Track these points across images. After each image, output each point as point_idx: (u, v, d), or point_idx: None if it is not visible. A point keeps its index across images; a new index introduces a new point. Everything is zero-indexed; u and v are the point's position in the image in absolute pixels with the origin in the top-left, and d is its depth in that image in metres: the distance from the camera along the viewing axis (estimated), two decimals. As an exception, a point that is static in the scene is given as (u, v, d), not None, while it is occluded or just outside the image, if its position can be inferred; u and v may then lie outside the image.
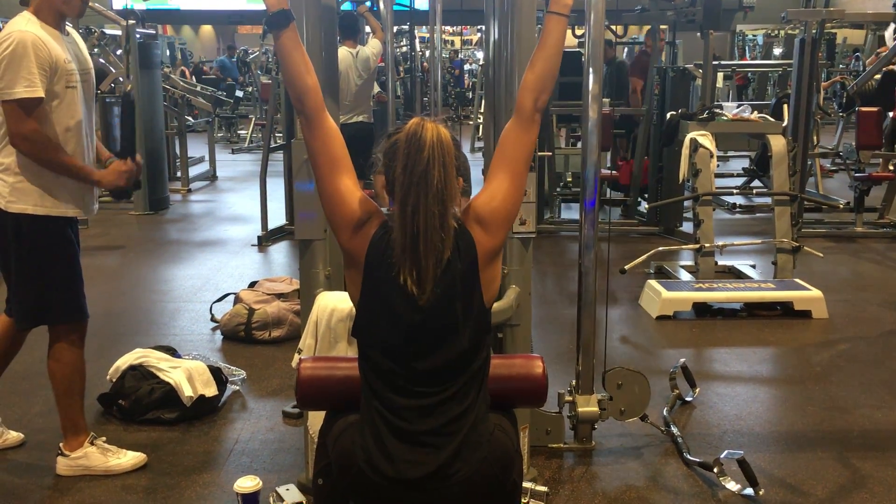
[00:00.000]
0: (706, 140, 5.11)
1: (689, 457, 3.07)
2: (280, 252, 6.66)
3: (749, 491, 2.83)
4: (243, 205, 8.42)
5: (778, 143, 5.19)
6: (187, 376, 3.48)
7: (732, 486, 2.86)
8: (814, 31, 6.32)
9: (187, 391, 3.43)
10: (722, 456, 2.93)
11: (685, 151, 5.17)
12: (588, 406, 3.13)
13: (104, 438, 3.06)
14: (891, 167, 6.78)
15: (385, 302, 1.82)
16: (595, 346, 3.16)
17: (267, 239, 6.77)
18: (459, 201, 1.83)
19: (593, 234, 3.09)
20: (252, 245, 6.72)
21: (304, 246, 2.75)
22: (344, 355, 2.53)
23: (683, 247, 5.69)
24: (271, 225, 6.90)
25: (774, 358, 4.25)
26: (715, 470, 2.93)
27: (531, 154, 1.97)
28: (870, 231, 6.91)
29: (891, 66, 7.57)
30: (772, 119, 5.67)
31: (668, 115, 5.64)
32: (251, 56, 15.51)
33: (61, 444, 2.99)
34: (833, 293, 5.02)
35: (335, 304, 2.57)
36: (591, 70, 2.95)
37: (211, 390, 3.53)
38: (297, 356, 2.63)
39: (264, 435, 3.36)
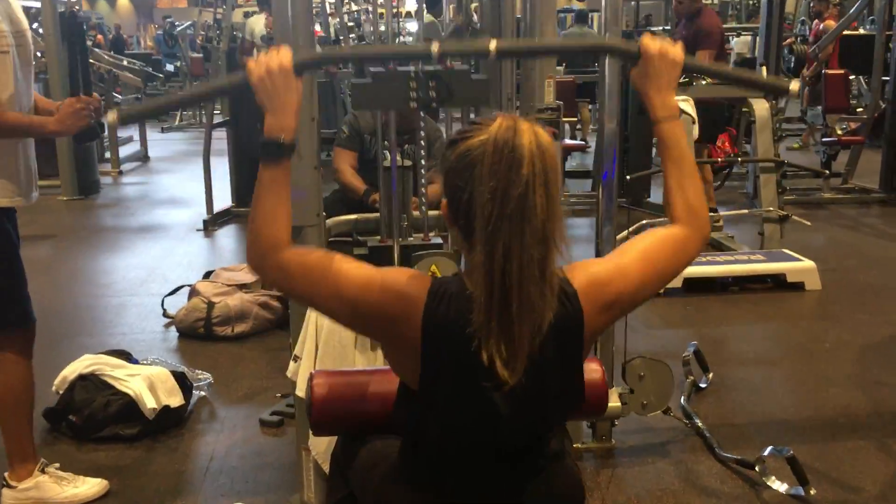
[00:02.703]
0: (688, 106, 4.81)
1: (723, 453, 2.78)
2: (228, 237, 6.17)
3: (797, 490, 2.56)
4: (181, 187, 7.86)
5: (761, 108, 4.95)
6: (148, 385, 3.04)
7: (778, 485, 2.59)
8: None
9: (149, 402, 2.99)
10: (766, 453, 2.65)
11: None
12: (610, 401, 2.81)
13: (57, 465, 2.62)
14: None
15: (456, 392, 1.35)
16: (613, 334, 2.85)
17: (213, 223, 6.27)
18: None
19: (612, 207, 2.78)
20: (197, 230, 6.20)
21: (295, 234, 2.33)
22: (353, 366, 2.15)
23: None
24: (216, 207, 6.40)
25: (779, 335, 4.01)
26: (757, 468, 2.65)
27: (683, 268, 1.51)
28: (838, 196, 6.79)
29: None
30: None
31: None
32: (178, 29, 14.70)
33: (6, 475, 2.54)
34: (818, 262, 4.82)
35: (338, 302, 2.18)
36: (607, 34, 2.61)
37: (176, 399, 3.10)
38: (293, 364, 2.24)
39: (242, 448, 2.96)
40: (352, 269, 1.37)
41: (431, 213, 3.31)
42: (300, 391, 2.20)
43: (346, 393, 1.77)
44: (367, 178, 4.01)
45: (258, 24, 5.90)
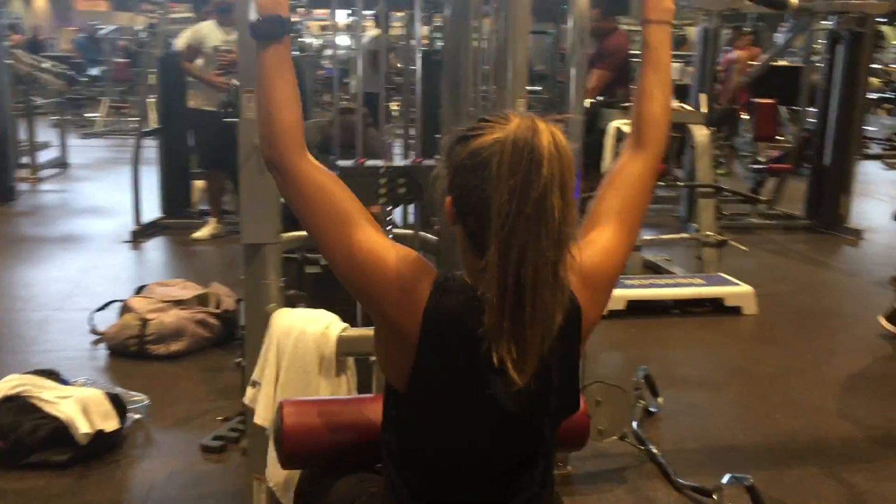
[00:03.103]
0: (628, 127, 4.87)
1: (680, 481, 2.77)
2: (158, 250, 5.94)
3: (755, 517, 2.55)
4: (103, 196, 7.53)
5: (701, 134, 5.02)
6: (81, 408, 2.86)
7: (736, 513, 2.58)
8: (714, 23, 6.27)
9: (82, 427, 2.80)
10: (724, 481, 2.64)
11: (609, 141, 4.91)
12: (568, 428, 2.77)
13: (-18, 496, 2.42)
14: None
15: (455, 394, 1.30)
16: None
17: (141, 234, 6.02)
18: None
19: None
20: (124, 241, 5.94)
21: (252, 252, 2.23)
22: (317, 392, 2.04)
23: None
24: (144, 219, 6.15)
25: (721, 358, 4.05)
26: (715, 496, 2.63)
27: (648, 201, 1.50)
28: (765, 222, 6.96)
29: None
30: (691, 108, 5.52)
31: (589, 103, 5.37)
32: (101, 32, 14.20)
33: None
34: (753, 287, 4.90)
35: (302, 325, 2.07)
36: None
37: (111, 424, 2.92)
38: (251, 390, 2.12)
39: (182, 476, 2.80)
40: (370, 223, 1.33)
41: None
42: (260, 419, 2.08)
43: (319, 423, 1.67)
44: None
45: (212, 32, 5.71)
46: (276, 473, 2.07)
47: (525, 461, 1.38)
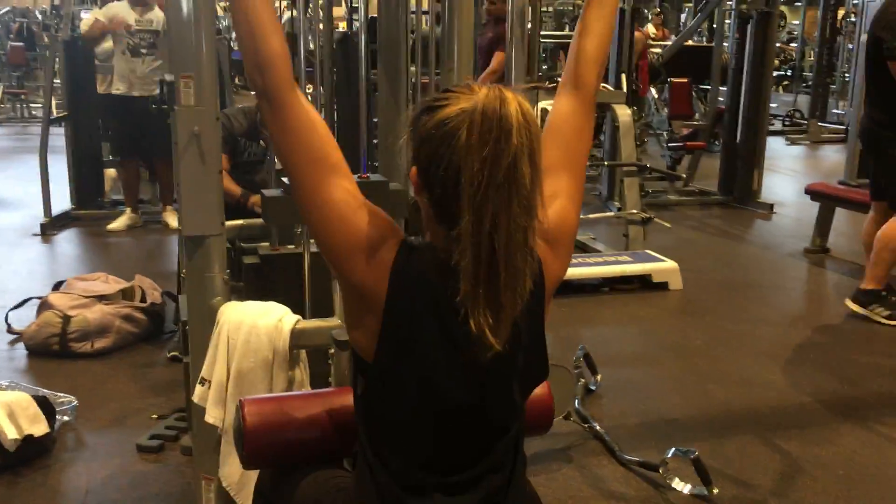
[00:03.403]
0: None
1: (625, 456, 2.81)
2: (70, 243, 5.69)
3: (701, 490, 2.62)
4: (7, 187, 7.18)
5: (624, 114, 5.10)
6: (7, 413, 2.71)
7: (682, 486, 2.64)
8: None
9: (10, 433, 2.66)
10: (669, 455, 2.70)
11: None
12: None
13: None
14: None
15: (425, 367, 1.29)
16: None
17: (52, 227, 5.75)
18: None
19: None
20: (34, 235, 5.67)
21: (194, 245, 2.14)
22: (271, 387, 1.98)
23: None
24: (54, 210, 5.87)
25: (653, 334, 4.13)
26: (661, 470, 2.69)
27: (590, 145, 1.53)
28: (682, 199, 7.13)
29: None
30: (612, 88, 5.60)
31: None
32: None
33: None
34: (676, 262, 5.03)
35: (253, 318, 2.00)
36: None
37: (40, 428, 2.78)
38: (200, 388, 2.04)
39: (120, 479, 2.69)
40: (348, 176, 1.33)
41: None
42: (212, 418, 2.00)
43: (282, 421, 1.62)
44: (242, 181, 3.80)
45: (124, 11, 5.47)
46: (230, 473, 2.01)
47: (499, 430, 1.38)
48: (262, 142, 3.51)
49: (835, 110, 12.95)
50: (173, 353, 3.58)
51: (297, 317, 2.02)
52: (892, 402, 3.35)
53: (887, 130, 4.10)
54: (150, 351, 3.71)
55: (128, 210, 5.94)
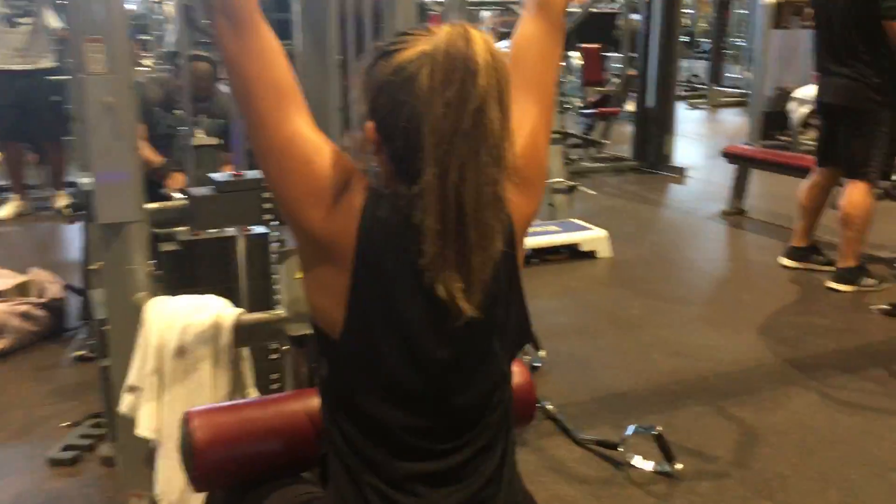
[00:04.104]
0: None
1: (582, 436, 2.69)
2: (-48, 233, 5.20)
3: (663, 466, 2.52)
4: None
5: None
6: None
7: (644, 463, 2.53)
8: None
9: None
10: (629, 432, 2.59)
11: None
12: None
13: None
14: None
15: (400, 324, 1.14)
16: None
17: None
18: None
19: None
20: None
21: (111, 233, 1.87)
22: (213, 390, 1.74)
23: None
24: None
25: (588, 305, 4.03)
26: (621, 448, 2.58)
27: (558, 73, 1.37)
28: (598, 166, 7.10)
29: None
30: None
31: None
32: None
33: None
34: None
35: (186, 315, 1.76)
36: None
37: (-67, 447, 2.45)
38: (129, 397, 1.79)
39: (32, 499, 2.40)
40: (307, 111, 1.18)
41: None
42: (145, 430, 1.76)
43: (237, 433, 1.41)
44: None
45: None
46: (168, 490, 1.77)
47: (486, 400, 1.23)
48: (175, 112, 3.21)
49: (729, 74, 13.23)
50: (79, 353, 3.27)
51: (239, 310, 1.78)
52: (833, 362, 3.34)
53: (880, 95, 3.87)
54: (53, 351, 3.37)
55: (15, 197, 5.48)
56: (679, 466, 2.51)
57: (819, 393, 3.06)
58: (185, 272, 2.47)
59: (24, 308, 3.40)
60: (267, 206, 1.94)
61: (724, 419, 2.88)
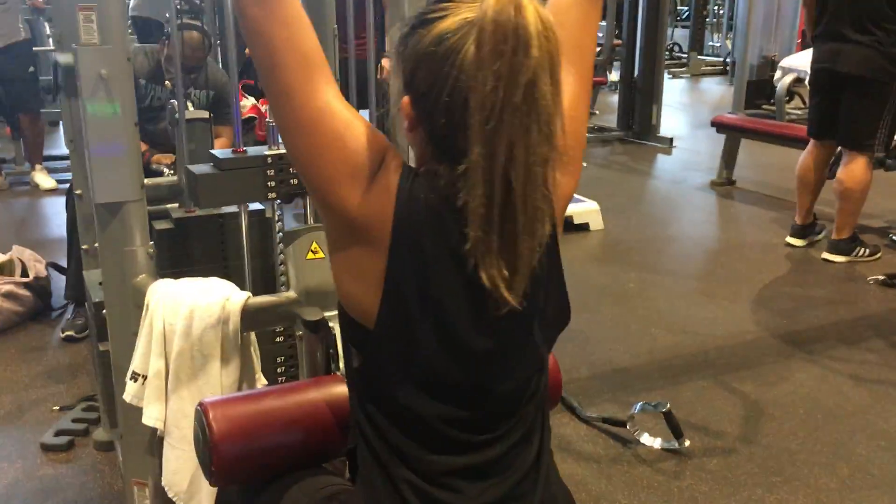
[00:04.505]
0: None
1: (587, 414, 2.65)
2: (-73, 211, 5.05)
3: (672, 444, 2.49)
4: None
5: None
6: None
7: (653, 441, 2.50)
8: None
9: None
10: (637, 409, 2.56)
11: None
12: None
13: None
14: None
15: (439, 312, 1.07)
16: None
17: None
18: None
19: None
20: None
21: (109, 213, 1.78)
22: (218, 381, 1.67)
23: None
24: None
25: (586, 279, 3.98)
26: (629, 426, 2.55)
27: (596, 38, 1.29)
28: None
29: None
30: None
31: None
32: None
33: None
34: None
35: (193, 299, 1.68)
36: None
37: (-79, 435, 2.37)
38: (132, 385, 1.71)
39: (26, 485, 2.32)
40: (331, 74, 1.11)
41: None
42: (151, 419, 1.68)
43: (256, 425, 1.35)
44: (143, 131, 3.36)
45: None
46: (177, 481, 1.70)
47: (525, 387, 1.18)
48: (167, 83, 3.09)
49: (710, 43, 13.18)
50: (68, 333, 3.19)
51: (247, 293, 1.71)
52: (832, 334, 3.33)
53: (894, 67, 3.77)
54: (40, 332, 3.28)
55: (-10, 172, 5.33)
56: (687, 443, 2.49)
57: (820, 366, 3.05)
58: (178, 251, 2.39)
59: (7, 288, 3.29)
60: (271, 183, 1.86)
61: (727, 393, 2.85)
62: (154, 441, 1.88)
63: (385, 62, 4.36)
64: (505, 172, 0.98)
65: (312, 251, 1.73)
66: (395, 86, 1.08)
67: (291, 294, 1.73)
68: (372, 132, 1.08)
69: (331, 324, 1.55)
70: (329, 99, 1.07)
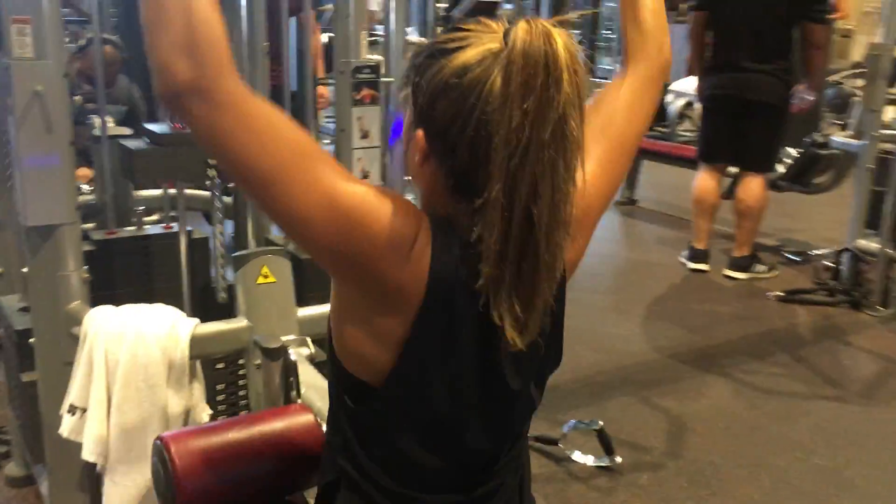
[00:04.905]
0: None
1: (520, 432, 2.67)
2: None
3: (603, 460, 2.54)
4: None
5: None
6: None
7: (585, 458, 2.54)
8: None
9: None
10: (569, 427, 2.59)
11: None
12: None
13: None
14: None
15: (457, 363, 1.02)
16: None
17: None
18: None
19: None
20: None
21: (40, 237, 1.69)
22: (164, 409, 1.60)
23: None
24: None
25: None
26: (560, 444, 2.58)
27: (640, 131, 1.23)
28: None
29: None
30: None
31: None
32: None
33: None
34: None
35: (137, 327, 1.60)
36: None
37: None
38: (70, 418, 1.62)
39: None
40: (333, 159, 1.00)
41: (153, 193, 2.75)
42: (92, 454, 1.59)
43: (220, 459, 1.29)
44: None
45: None
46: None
47: (520, 428, 1.16)
48: (77, 98, 2.95)
49: (602, 66, 13.61)
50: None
51: (195, 320, 1.64)
52: (742, 349, 3.47)
53: (789, 93, 4.05)
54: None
55: None
56: (619, 460, 2.54)
57: (734, 380, 3.17)
58: (99, 275, 2.28)
59: None
60: (211, 163, 1.78)
61: (650, 409, 2.93)
62: (85, 476, 1.78)
63: (322, 90, 4.29)
64: (527, 209, 0.93)
65: (263, 275, 1.68)
66: (406, 117, 1.03)
67: (242, 320, 1.68)
68: (396, 200, 1.00)
69: (290, 350, 1.51)
70: (329, 190, 0.95)
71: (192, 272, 2.29)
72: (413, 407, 1.04)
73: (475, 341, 1.02)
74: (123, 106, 3.23)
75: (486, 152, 0.93)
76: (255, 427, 1.36)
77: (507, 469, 1.15)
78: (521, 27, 0.92)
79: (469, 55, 0.96)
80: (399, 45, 2.25)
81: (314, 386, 1.51)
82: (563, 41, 0.92)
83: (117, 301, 1.76)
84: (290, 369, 1.48)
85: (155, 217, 2.78)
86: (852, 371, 3.34)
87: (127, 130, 2.60)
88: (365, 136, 1.99)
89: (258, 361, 1.53)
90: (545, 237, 0.95)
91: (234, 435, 1.34)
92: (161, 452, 1.26)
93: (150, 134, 1.77)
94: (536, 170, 0.92)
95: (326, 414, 1.18)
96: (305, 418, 1.38)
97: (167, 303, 1.96)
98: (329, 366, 1.09)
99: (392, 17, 2.24)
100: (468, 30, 0.99)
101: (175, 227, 2.35)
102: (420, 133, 1.00)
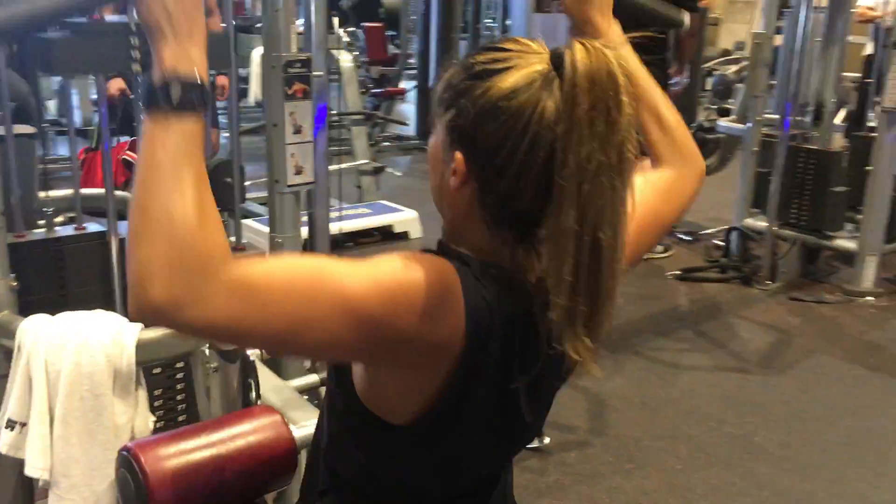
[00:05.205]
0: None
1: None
2: None
3: (534, 443, 2.61)
4: None
5: (346, 61, 4.89)
6: None
7: (514, 440, 2.61)
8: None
9: None
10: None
11: (255, 69, 4.55)
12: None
13: None
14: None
15: (486, 393, 0.98)
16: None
17: None
18: None
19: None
20: None
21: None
22: (112, 419, 1.55)
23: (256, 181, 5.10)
24: None
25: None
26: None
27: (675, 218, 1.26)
28: (385, 146, 7.10)
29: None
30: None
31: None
32: None
33: None
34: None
35: (80, 336, 1.54)
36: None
37: None
38: (9, 433, 1.54)
39: None
40: (351, 270, 0.88)
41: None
42: (36, 470, 1.52)
43: (192, 466, 1.27)
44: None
45: None
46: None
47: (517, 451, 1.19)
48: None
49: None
50: None
51: (139, 326, 1.59)
52: (649, 327, 3.63)
53: (666, 78, 4.23)
54: None
55: None
56: (547, 440, 2.61)
57: (645, 357, 3.31)
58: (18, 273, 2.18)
59: None
60: (136, 54, 1.69)
61: (570, 389, 3.01)
62: (21, 491, 1.71)
63: (222, 80, 4.15)
64: (593, 235, 0.90)
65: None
66: (434, 140, 0.99)
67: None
68: (409, 262, 0.92)
69: (248, 352, 1.49)
70: (355, 310, 0.87)
71: (121, 274, 2.21)
72: (436, 441, 1.01)
73: (503, 376, 0.98)
74: (13, 102, 3.05)
75: (539, 176, 0.91)
76: (223, 431, 1.34)
77: (498, 485, 1.16)
78: (578, 50, 0.91)
79: (517, 77, 0.93)
80: (322, 38, 2.22)
81: (272, 386, 1.49)
82: (618, 63, 0.91)
83: (28, 309, 1.68)
84: (250, 370, 1.47)
85: (61, 218, 2.66)
86: (750, 343, 3.54)
87: (30, 129, 2.48)
88: (298, 131, 1.98)
89: (214, 364, 1.50)
90: (609, 263, 0.92)
91: (204, 440, 1.31)
92: (129, 463, 1.23)
93: (69, 23, 1.67)
94: (605, 195, 0.90)
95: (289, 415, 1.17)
96: (272, 419, 1.37)
97: (84, 308, 1.89)
98: (337, 394, 1.06)
99: (312, 6, 2.21)
100: (508, 49, 0.96)
101: (88, 227, 2.26)
102: (459, 156, 0.95)
